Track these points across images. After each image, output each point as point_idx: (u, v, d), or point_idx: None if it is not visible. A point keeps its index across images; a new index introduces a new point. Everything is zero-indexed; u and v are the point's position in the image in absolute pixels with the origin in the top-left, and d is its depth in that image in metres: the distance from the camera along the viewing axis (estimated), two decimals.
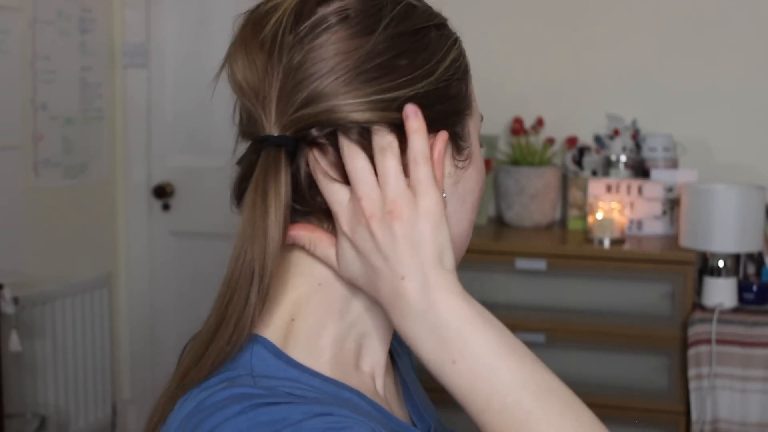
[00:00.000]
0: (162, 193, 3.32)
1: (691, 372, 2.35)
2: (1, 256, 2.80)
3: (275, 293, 0.73)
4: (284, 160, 0.67)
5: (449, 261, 0.68)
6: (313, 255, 0.71)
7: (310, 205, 0.71)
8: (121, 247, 3.39)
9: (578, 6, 2.95)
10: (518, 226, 2.81)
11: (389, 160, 0.67)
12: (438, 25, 0.73)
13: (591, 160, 2.81)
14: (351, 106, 0.66)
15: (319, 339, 0.72)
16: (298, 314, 0.72)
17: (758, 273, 2.58)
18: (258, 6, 0.72)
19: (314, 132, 0.67)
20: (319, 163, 0.68)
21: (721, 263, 2.45)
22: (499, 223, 2.91)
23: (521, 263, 2.52)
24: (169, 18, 3.30)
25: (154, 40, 3.31)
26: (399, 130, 0.68)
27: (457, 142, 0.73)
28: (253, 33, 0.70)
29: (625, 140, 2.79)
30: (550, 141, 2.85)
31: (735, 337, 2.34)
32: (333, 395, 0.68)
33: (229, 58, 0.71)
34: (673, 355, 2.42)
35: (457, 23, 0.76)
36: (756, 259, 2.59)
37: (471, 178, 0.75)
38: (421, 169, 0.67)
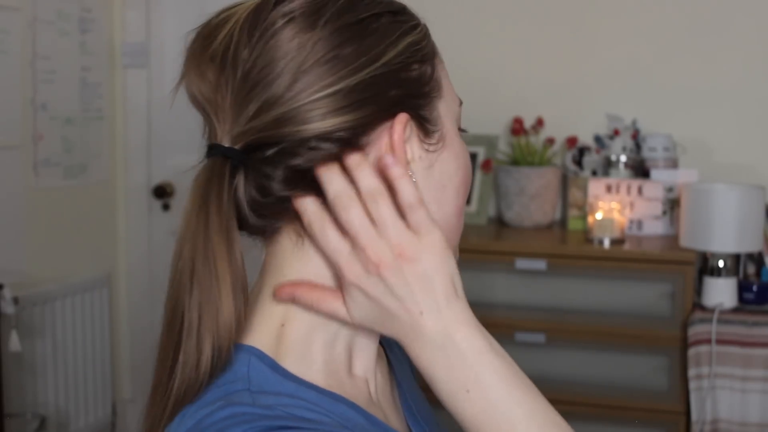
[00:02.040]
0: (162, 193, 3.32)
1: (691, 372, 2.35)
2: (1, 256, 2.80)
3: (258, 298, 0.73)
4: (228, 172, 0.68)
5: (460, 289, 0.69)
6: (317, 311, 0.71)
7: (249, 228, 0.71)
8: (121, 247, 3.39)
9: (578, 6, 2.95)
10: (518, 226, 2.81)
11: (383, 207, 0.67)
12: (393, 12, 0.72)
13: (591, 160, 2.81)
14: (298, 113, 0.66)
15: (309, 345, 0.72)
16: (287, 319, 0.72)
17: (758, 273, 2.58)
18: (209, 20, 0.72)
19: (264, 152, 0.67)
20: (315, 215, 0.68)
21: (721, 263, 2.45)
22: (499, 223, 2.91)
23: (521, 263, 2.52)
24: (169, 18, 3.30)
25: (154, 40, 3.31)
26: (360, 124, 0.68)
27: (423, 126, 0.72)
28: (202, 47, 0.70)
29: (625, 140, 2.79)
30: (550, 141, 2.85)
31: (735, 337, 2.34)
32: (328, 409, 0.69)
33: (183, 74, 0.71)
34: (673, 355, 2.42)
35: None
36: (756, 259, 2.58)
37: (448, 162, 0.73)
38: (417, 212, 0.67)
